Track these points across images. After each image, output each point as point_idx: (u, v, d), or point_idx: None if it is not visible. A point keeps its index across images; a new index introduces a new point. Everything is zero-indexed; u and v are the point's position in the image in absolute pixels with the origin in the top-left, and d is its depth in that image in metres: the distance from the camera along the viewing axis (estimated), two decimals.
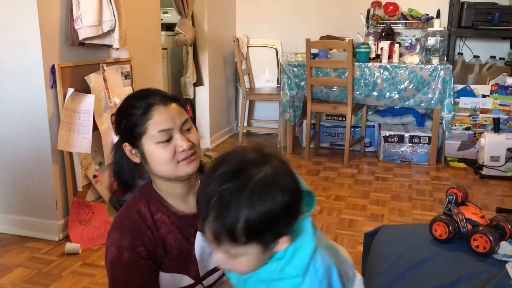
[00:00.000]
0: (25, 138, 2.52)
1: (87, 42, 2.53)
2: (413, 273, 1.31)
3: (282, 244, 0.87)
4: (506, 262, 1.28)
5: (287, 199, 0.83)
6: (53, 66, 2.44)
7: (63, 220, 2.59)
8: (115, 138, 2.70)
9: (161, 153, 1.13)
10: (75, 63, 2.58)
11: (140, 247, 1.16)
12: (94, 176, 2.71)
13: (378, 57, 4.03)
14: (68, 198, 2.60)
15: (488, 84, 3.87)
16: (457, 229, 1.42)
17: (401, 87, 3.81)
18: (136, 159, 1.19)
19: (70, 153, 2.57)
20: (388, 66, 3.81)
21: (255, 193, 0.81)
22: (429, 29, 3.97)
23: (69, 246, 2.44)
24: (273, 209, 0.81)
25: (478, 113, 3.84)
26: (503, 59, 4.10)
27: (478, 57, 4.21)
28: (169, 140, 1.14)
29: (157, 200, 1.22)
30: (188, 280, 1.24)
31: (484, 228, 1.35)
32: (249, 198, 0.81)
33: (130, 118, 1.15)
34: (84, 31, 2.46)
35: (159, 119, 1.13)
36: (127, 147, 1.19)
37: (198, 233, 1.22)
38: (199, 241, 1.22)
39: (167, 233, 1.20)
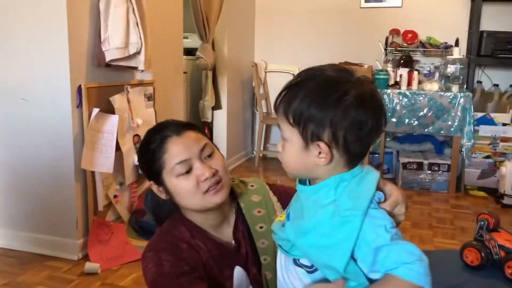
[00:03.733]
0: (49, 156, 2.54)
1: (113, 63, 2.57)
2: None
3: (321, 154, 0.84)
4: None
5: (349, 114, 0.82)
6: (79, 86, 2.48)
7: (82, 239, 2.59)
8: (136, 159, 2.75)
9: (184, 185, 1.06)
10: (101, 83, 2.62)
11: (181, 262, 1.06)
12: (115, 196, 2.72)
13: (396, 84, 4.03)
14: (88, 217, 2.60)
15: (509, 112, 3.85)
16: (489, 256, 1.39)
17: (420, 114, 3.80)
18: (164, 196, 1.13)
19: (92, 173, 2.58)
20: (407, 92, 3.82)
21: (326, 87, 0.84)
22: (448, 57, 3.98)
23: (89, 265, 2.43)
24: (326, 107, 0.82)
25: (498, 141, 3.81)
26: None
27: (497, 85, 4.20)
28: (189, 171, 1.07)
29: (192, 226, 1.13)
30: None
31: None
32: (317, 90, 0.84)
33: (147, 155, 1.10)
34: (111, 53, 2.51)
35: (175, 151, 1.07)
36: (153, 185, 1.14)
37: (237, 267, 1.13)
38: (238, 274, 1.14)
39: (204, 260, 1.11)
